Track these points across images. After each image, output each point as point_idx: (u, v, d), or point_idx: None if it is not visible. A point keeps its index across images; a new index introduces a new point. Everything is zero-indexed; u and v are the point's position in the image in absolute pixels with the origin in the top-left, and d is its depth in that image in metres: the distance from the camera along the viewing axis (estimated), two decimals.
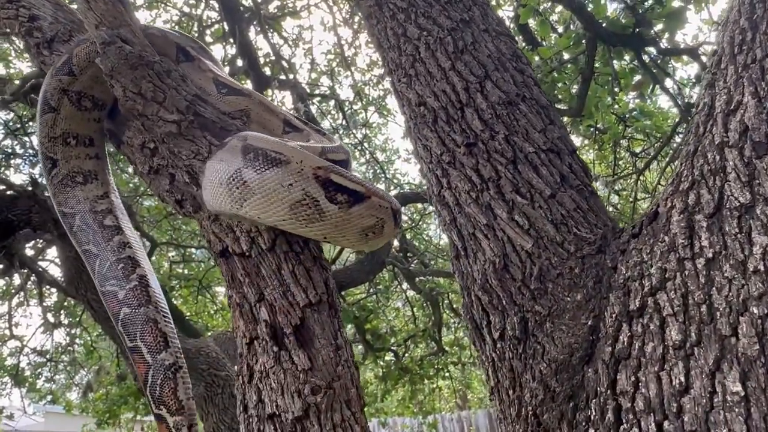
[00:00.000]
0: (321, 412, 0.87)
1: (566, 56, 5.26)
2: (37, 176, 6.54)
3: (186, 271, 8.65)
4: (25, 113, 6.68)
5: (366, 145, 9.27)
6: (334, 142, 1.15)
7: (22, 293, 8.94)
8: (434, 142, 1.77)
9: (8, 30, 1.37)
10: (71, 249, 5.02)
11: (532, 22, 4.96)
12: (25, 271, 7.81)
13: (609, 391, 1.06)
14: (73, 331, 9.32)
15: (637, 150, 6.78)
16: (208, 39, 7.78)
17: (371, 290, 9.17)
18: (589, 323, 1.22)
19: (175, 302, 7.27)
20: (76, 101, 1.10)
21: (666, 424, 0.95)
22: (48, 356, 9.53)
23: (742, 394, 0.91)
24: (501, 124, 1.68)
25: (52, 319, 8.81)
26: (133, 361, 1.04)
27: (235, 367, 0.95)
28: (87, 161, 1.16)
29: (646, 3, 4.52)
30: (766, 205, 1.04)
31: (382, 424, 11.33)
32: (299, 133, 1.17)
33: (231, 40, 6.74)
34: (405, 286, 8.87)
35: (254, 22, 7.23)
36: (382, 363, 8.85)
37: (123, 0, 1.03)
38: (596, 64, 5.03)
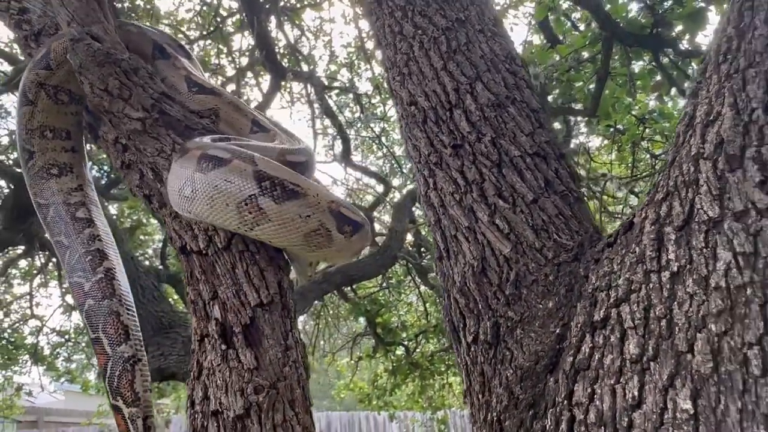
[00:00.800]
0: (262, 411, 0.88)
1: (585, 54, 5.19)
2: None
3: None
4: None
5: (384, 139, 9.26)
6: (299, 144, 1.16)
7: (42, 275, 9.16)
8: (423, 142, 1.77)
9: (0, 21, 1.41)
10: None
11: (551, 17, 4.89)
12: (46, 253, 8.00)
13: (566, 402, 1.05)
14: None
15: (658, 152, 6.67)
16: (229, 29, 7.84)
17: (383, 284, 9.20)
18: (557, 332, 1.22)
19: (173, 268, 7.33)
20: (52, 95, 1.13)
21: None
22: (66, 337, 9.75)
23: (692, 412, 0.90)
24: (488, 126, 1.66)
25: (70, 301, 9.03)
26: (94, 351, 1.07)
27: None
28: (63, 154, 1.18)
29: (665, 3, 4.42)
30: (734, 220, 1.02)
31: (390, 417, 11.39)
32: (266, 133, 1.18)
33: (250, 30, 6.77)
34: (418, 281, 8.88)
35: (273, 14, 7.25)
36: (392, 357, 8.87)
37: None
38: (615, 65, 4.95)
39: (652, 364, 0.98)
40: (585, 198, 1.66)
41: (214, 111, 1.14)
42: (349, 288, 8.82)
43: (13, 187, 6.61)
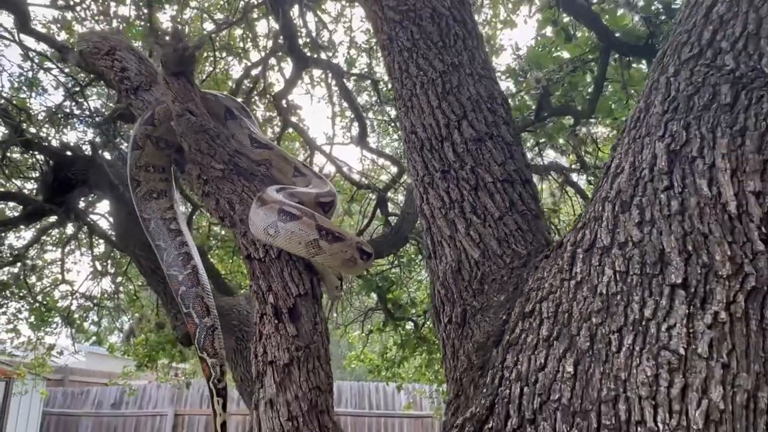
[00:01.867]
0: (300, 362, 1.39)
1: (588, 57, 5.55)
2: (97, 142, 7.20)
3: (223, 233, 9.33)
4: (82, 75, 7.32)
5: (398, 124, 9.61)
6: (327, 186, 1.65)
7: (73, 242, 9.76)
8: (420, 165, 2.25)
9: (105, 75, 1.90)
10: (125, 209, 5.68)
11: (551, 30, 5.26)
12: (78, 222, 8.58)
13: (500, 365, 1.55)
14: (118, 280, 10.05)
15: None
16: (255, 15, 8.25)
17: (395, 263, 9.68)
18: (504, 318, 1.72)
19: (212, 261, 7.88)
20: (155, 143, 1.63)
21: (525, 389, 1.45)
22: (95, 301, 10.40)
23: (573, 373, 1.40)
24: (470, 156, 2.14)
25: (99, 268, 9.64)
26: (186, 322, 1.59)
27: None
28: (160, 183, 1.69)
29: (661, 16, 4.78)
30: (618, 248, 1.50)
31: (398, 388, 11.98)
32: (304, 177, 1.68)
33: (274, 17, 7.15)
34: None
35: (297, 3, 7.63)
36: (401, 331, 9.34)
37: (191, 81, 1.53)
38: (612, 73, 5.31)
39: (555, 342, 1.48)
40: (542, 215, 2.13)
41: (268, 161, 1.64)
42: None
43: (53, 163, 7.14)
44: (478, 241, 1.99)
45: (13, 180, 8.20)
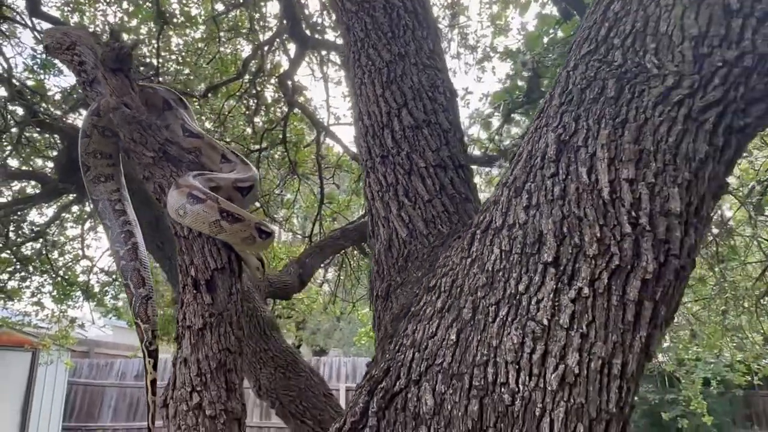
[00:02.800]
0: (213, 326, 1.59)
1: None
2: None
3: None
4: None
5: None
6: (249, 172, 1.83)
7: (91, 220, 10.13)
8: (364, 150, 2.42)
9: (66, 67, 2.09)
10: (129, 187, 5.90)
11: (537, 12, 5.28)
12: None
13: (402, 333, 1.73)
14: None
15: None
16: None
17: None
18: (417, 292, 1.89)
19: None
20: (101, 132, 1.82)
21: (416, 354, 1.62)
22: (114, 276, 10.79)
23: (455, 340, 1.56)
24: (406, 143, 2.30)
25: None
26: (126, 291, 1.80)
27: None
28: (107, 168, 1.89)
29: None
30: (507, 230, 1.65)
31: None
32: (230, 163, 1.86)
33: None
34: None
35: None
36: None
37: (129, 77, 1.71)
38: None
39: (446, 313, 1.64)
40: (474, 198, 2.28)
41: (198, 149, 1.82)
42: (367, 244, 9.49)
43: (66, 143, 7.43)
44: (407, 221, 2.15)
45: (33, 159, 8.55)
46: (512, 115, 6.08)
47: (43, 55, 8.16)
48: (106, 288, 11.19)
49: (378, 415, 1.55)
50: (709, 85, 1.59)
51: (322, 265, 9.59)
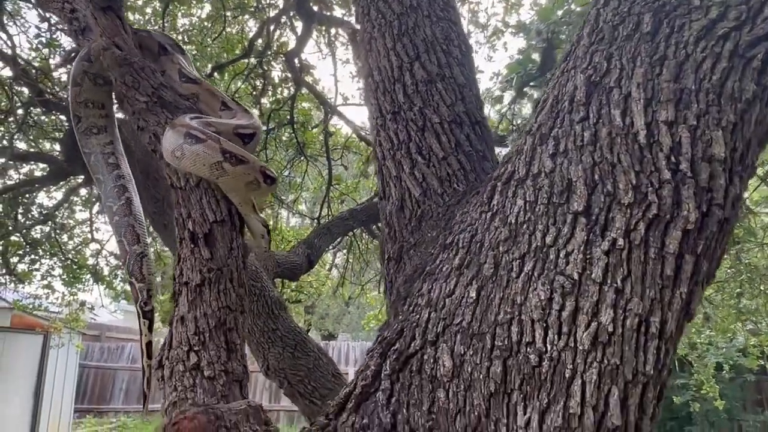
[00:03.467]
0: (211, 282, 1.47)
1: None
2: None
3: None
4: None
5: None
6: (251, 120, 1.69)
7: (100, 202, 10.08)
8: (374, 107, 2.27)
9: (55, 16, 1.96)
10: (137, 167, 5.80)
11: None
12: None
13: (416, 293, 1.60)
14: None
15: None
16: None
17: None
18: (432, 251, 1.75)
19: None
20: (92, 79, 1.69)
21: (433, 314, 1.49)
22: (122, 260, 10.69)
23: (475, 297, 1.43)
24: (419, 98, 2.15)
25: None
26: (119, 248, 1.68)
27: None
28: (100, 119, 1.76)
29: None
30: (531, 179, 1.51)
31: None
32: (230, 111, 1.72)
33: None
34: None
35: None
36: None
37: (120, 17, 1.58)
38: None
39: (465, 270, 1.51)
40: (491, 156, 2.14)
41: (195, 95, 1.68)
42: (375, 226, 9.38)
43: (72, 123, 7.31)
44: (421, 180, 2.01)
45: (41, 141, 8.48)
46: (525, 89, 5.89)
47: (47, 34, 8.03)
48: (116, 271, 11.17)
49: (392, 378, 1.43)
50: (758, 16, 1.43)
51: (330, 248, 9.49)
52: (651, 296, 1.33)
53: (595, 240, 1.36)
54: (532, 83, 5.65)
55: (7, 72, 7.24)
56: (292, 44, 8.59)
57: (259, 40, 8.34)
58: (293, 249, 6.61)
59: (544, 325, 1.33)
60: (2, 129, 7.76)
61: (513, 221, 1.48)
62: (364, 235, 10.24)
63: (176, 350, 1.42)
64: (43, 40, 7.91)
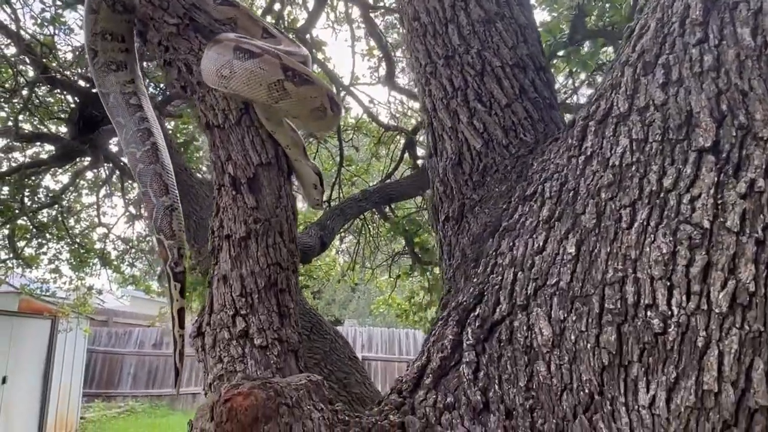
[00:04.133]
0: (258, 235, 1.23)
1: None
2: None
3: None
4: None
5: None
6: (299, 49, 1.45)
7: (107, 187, 9.89)
8: (422, 53, 2.02)
9: None
10: None
11: None
12: (110, 165, 8.64)
13: (493, 253, 1.36)
14: None
15: None
16: None
17: (423, 205, 9.52)
18: (503, 207, 1.51)
19: None
20: (111, 5, 1.45)
21: (519, 274, 1.25)
22: (130, 244, 10.57)
23: (574, 254, 1.19)
24: (476, 39, 1.90)
25: (133, 211, 9.77)
26: (144, 201, 1.44)
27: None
28: (119, 54, 1.52)
29: None
30: (637, 114, 1.26)
31: (426, 332, 12.05)
32: (274, 39, 1.48)
33: None
34: None
35: None
36: (429, 276, 9.26)
37: None
38: None
39: (557, 223, 1.27)
40: (557, 105, 1.89)
41: (233, 20, 1.44)
42: (388, 208, 9.15)
43: (78, 101, 7.10)
44: (481, 130, 1.77)
45: (45, 123, 8.26)
46: (553, 60, 5.60)
47: (52, 9, 7.76)
48: (123, 256, 11.03)
49: (476, 348, 1.19)
50: None
51: (341, 231, 9.26)
52: None
53: (727, 181, 1.12)
54: (560, 53, 5.37)
55: (12, 49, 7.01)
56: (300, 21, 8.31)
57: (268, 17, 8.06)
58: (306, 230, 6.39)
59: (668, 283, 1.09)
60: (7, 109, 7.55)
61: (617, 163, 1.23)
62: (374, 217, 10.01)
63: (219, 314, 1.19)
64: (47, 15, 7.65)
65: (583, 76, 6.61)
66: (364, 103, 8.84)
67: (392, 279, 10.48)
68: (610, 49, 5.68)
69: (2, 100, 7.22)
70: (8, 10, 6.94)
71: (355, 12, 8.08)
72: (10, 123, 7.30)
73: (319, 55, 8.50)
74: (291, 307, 1.25)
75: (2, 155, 8.19)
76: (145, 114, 1.50)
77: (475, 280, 1.34)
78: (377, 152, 9.70)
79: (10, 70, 6.75)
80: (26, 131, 7.76)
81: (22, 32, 6.88)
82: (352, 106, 9.75)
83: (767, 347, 1.05)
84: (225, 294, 1.21)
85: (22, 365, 11.69)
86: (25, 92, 7.30)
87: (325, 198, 9.51)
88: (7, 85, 7.36)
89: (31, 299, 11.53)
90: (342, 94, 8.59)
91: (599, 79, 6.42)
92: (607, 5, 5.23)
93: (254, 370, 1.11)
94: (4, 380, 10.86)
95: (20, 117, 7.19)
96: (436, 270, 9.25)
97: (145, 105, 1.53)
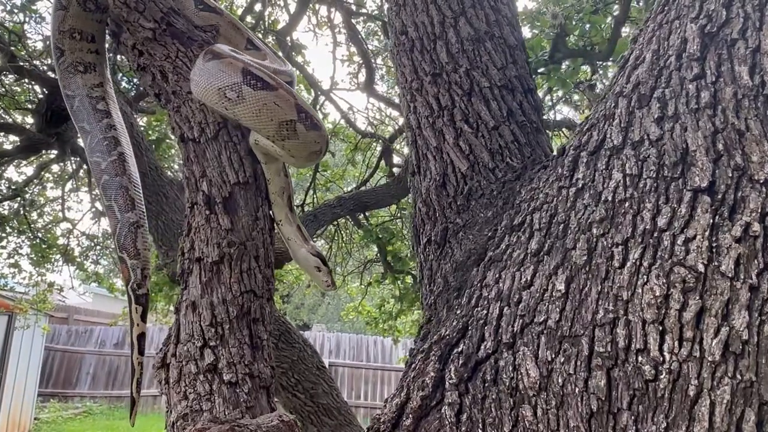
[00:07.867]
0: (232, 259, 1.15)
1: None
2: None
3: None
4: None
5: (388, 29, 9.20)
6: (285, 66, 1.38)
7: (73, 181, 9.59)
8: (408, 69, 1.96)
9: None
10: None
11: None
12: (77, 159, 8.37)
13: (478, 284, 1.31)
14: None
15: None
16: None
17: (396, 214, 9.48)
18: (488, 234, 1.46)
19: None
20: (82, 2, 1.35)
21: (506, 309, 1.20)
22: (95, 241, 10.27)
23: (564, 291, 1.15)
24: (465, 58, 1.85)
25: (100, 208, 9.50)
26: (107, 216, 1.35)
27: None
28: (88, 54, 1.42)
29: None
30: (631, 149, 1.23)
31: (395, 341, 11.99)
32: (258, 51, 1.40)
33: None
34: None
35: None
36: (400, 284, 9.21)
37: None
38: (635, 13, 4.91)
39: (546, 257, 1.22)
40: (544, 129, 1.85)
41: (215, 27, 1.36)
42: (362, 216, 9.08)
43: (46, 92, 6.86)
44: (467, 152, 1.72)
45: (12, 113, 7.96)
46: (534, 76, 5.62)
47: None
48: (87, 253, 10.71)
49: (459, 388, 1.13)
50: None
51: (314, 236, 9.15)
52: None
53: (722, 224, 1.08)
54: (540, 70, 5.39)
55: None
56: (281, 23, 8.21)
57: (249, 17, 7.93)
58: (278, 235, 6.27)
59: (660, 328, 1.05)
60: None
61: (609, 198, 1.20)
62: (348, 224, 9.95)
63: (186, 345, 1.10)
64: (17, 2, 7.40)
65: (560, 93, 6.67)
66: (342, 109, 8.77)
67: (363, 286, 10.41)
68: (588, 68, 5.74)
69: None
70: None
71: (338, 17, 8.01)
72: None
73: (299, 59, 8.40)
74: (264, 338, 1.17)
75: None
76: (113, 121, 1.40)
77: (458, 312, 1.28)
78: (353, 158, 9.64)
79: None
80: None
81: None
82: (330, 111, 9.67)
83: (757, 398, 1.02)
84: (193, 323, 1.12)
85: None
86: None
87: (298, 203, 9.40)
88: None
89: None
90: (321, 98, 8.51)
91: (576, 97, 6.50)
92: (587, 26, 5.28)
93: (222, 409, 1.03)
94: None
95: None
96: (408, 279, 9.22)
97: (114, 111, 1.43)
